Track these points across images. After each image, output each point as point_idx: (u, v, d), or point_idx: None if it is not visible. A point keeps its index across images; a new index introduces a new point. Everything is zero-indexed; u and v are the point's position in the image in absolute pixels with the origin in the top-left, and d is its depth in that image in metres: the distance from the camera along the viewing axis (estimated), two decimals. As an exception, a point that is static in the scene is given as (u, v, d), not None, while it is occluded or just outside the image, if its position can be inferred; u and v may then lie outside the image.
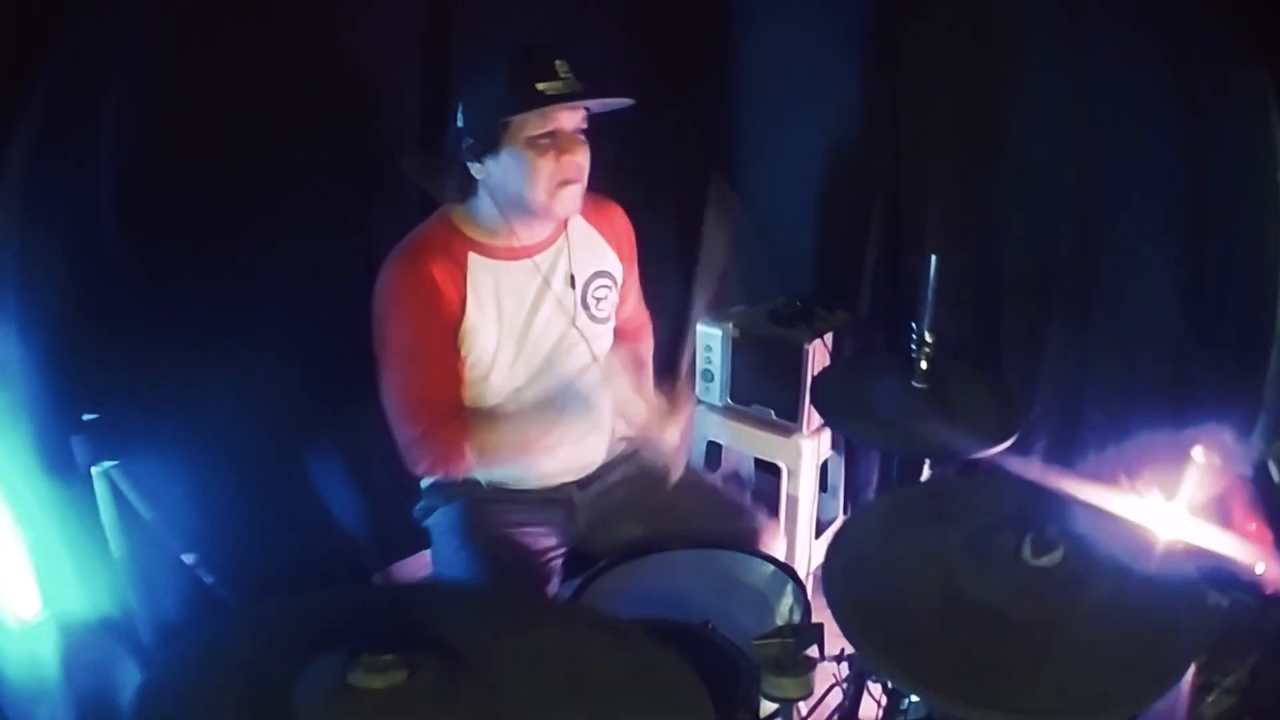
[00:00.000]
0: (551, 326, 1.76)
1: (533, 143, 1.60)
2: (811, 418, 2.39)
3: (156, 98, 1.74)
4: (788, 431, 2.43)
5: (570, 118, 1.62)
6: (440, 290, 1.64)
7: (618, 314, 1.90)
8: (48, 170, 1.54)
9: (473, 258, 1.69)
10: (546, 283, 1.75)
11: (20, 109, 1.46)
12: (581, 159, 1.65)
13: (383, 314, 1.67)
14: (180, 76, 1.76)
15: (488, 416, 1.73)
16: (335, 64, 2.00)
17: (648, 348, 2.05)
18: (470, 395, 1.75)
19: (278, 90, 1.90)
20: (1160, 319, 2.05)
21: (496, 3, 2.20)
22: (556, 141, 1.61)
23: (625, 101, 1.66)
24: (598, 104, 1.64)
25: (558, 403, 1.76)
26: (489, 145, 1.62)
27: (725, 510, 1.84)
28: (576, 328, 1.79)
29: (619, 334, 1.96)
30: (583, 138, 1.66)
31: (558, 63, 1.58)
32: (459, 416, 1.70)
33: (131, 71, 1.69)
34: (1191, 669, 1.42)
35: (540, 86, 1.56)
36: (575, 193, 1.66)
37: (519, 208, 1.67)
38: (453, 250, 1.68)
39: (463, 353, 1.69)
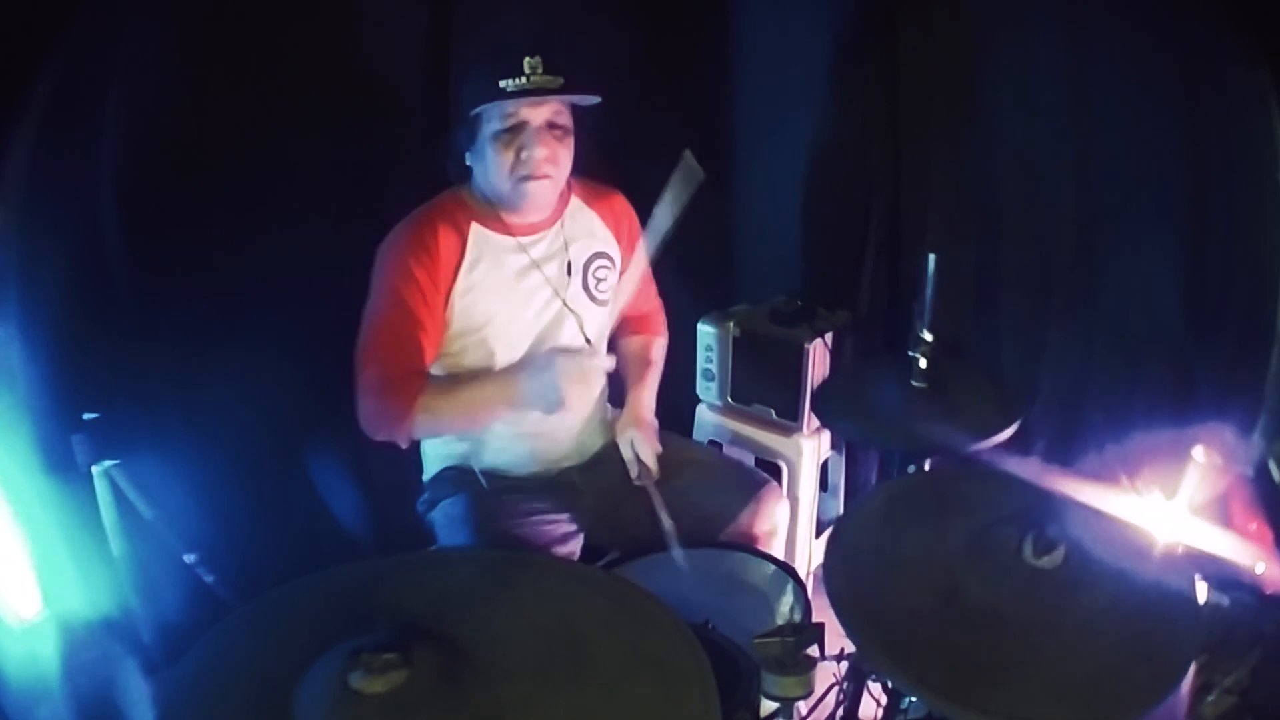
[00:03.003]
0: (547, 308, 1.79)
1: (497, 137, 1.64)
2: (812, 417, 2.39)
3: (157, 97, 1.74)
4: (788, 431, 2.43)
5: (536, 113, 1.63)
6: (440, 249, 1.68)
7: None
8: (49, 170, 1.54)
9: (475, 227, 1.73)
10: (539, 265, 1.77)
11: (21, 109, 1.46)
12: (547, 154, 1.65)
13: (380, 267, 1.70)
14: (181, 76, 1.76)
15: (445, 380, 1.72)
16: (337, 63, 2.00)
17: (660, 345, 2.05)
18: (469, 365, 1.77)
19: (279, 89, 1.90)
20: (1160, 318, 2.05)
21: (496, 6, 2.20)
22: (518, 137, 1.63)
23: (593, 98, 1.67)
24: (562, 99, 1.65)
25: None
26: (469, 136, 1.67)
27: (728, 471, 1.90)
28: (569, 308, 1.81)
29: (629, 324, 1.99)
30: (558, 133, 1.67)
31: (528, 59, 1.59)
32: (418, 376, 1.66)
33: (132, 71, 1.69)
34: (1192, 669, 1.42)
35: (502, 83, 1.59)
36: (542, 188, 1.69)
37: (497, 198, 1.72)
38: (458, 218, 1.73)
39: (449, 316, 1.71)
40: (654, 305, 2.07)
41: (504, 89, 1.59)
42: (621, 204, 1.92)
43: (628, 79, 2.49)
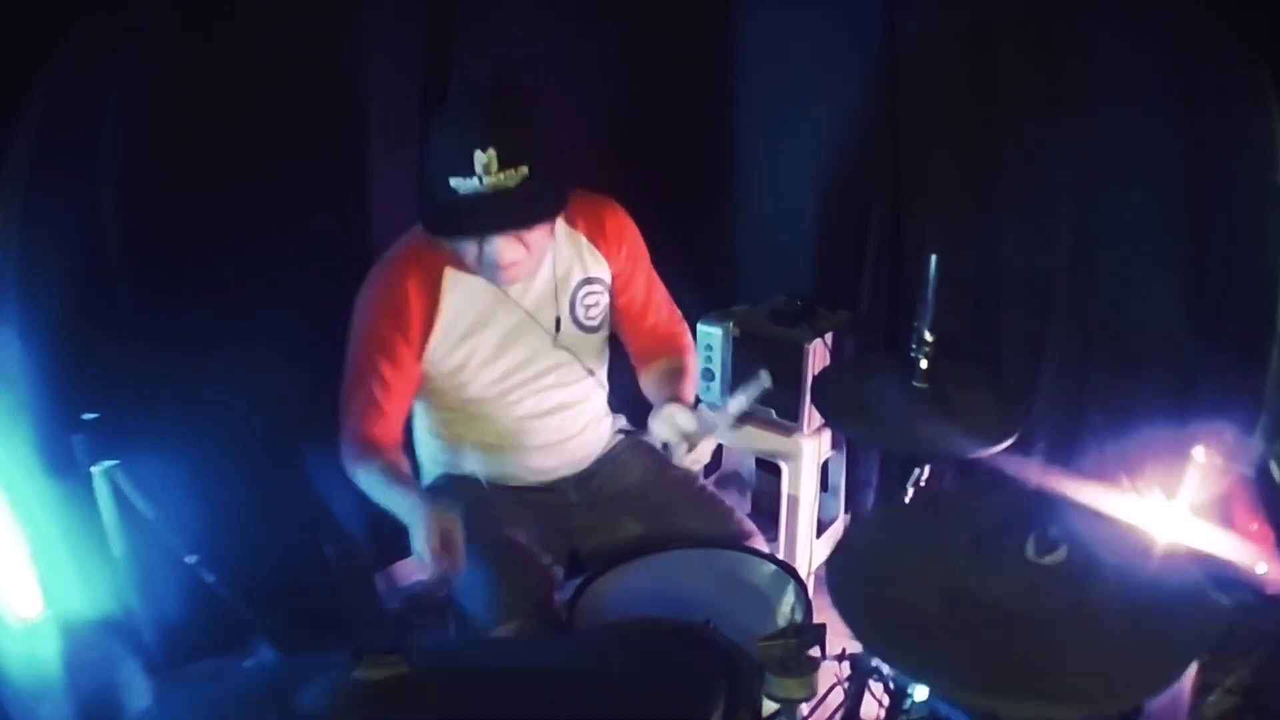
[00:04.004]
0: (529, 341, 1.73)
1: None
2: (812, 417, 2.39)
3: (157, 99, 1.74)
4: (788, 431, 2.43)
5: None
6: (410, 305, 1.63)
7: (637, 321, 1.85)
8: (49, 170, 1.54)
9: (449, 272, 1.66)
10: (520, 301, 1.71)
11: (21, 109, 1.46)
12: (514, 257, 1.54)
13: (355, 318, 1.67)
14: (181, 78, 1.76)
15: (386, 467, 1.60)
16: (335, 65, 2.00)
17: (691, 358, 1.89)
18: (456, 404, 1.75)
19: (279, 91, 1.90)
20: (1161, 319, 2.05)
21: (497, 6, 2.20)
22: (480, 242, 1.53)
23: (553, 220, 1.58)
24: (514, 233, 1.51)
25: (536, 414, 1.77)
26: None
27: (719, 516, 1.81)
28: (563, 346, 1.75)
29: (653, 347, 1.87)
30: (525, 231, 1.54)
31: (479, 155, 1.42)
32: (370, 442, 1.62)
33: (132, 72, 1.69)
34: (1194, 669, 1.42)
35: (454, 183, 1.45)
36: (514, 273, 1.60)
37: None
38: (430, 263, 1.65)
39: (430, 363, 1.68)
40: (677, 320, 1.92)
41: (455, 190, 1.44)
42: (613, 217, 1.79)
43: (628, 81, 2.50)
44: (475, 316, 1.68)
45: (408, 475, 1.61)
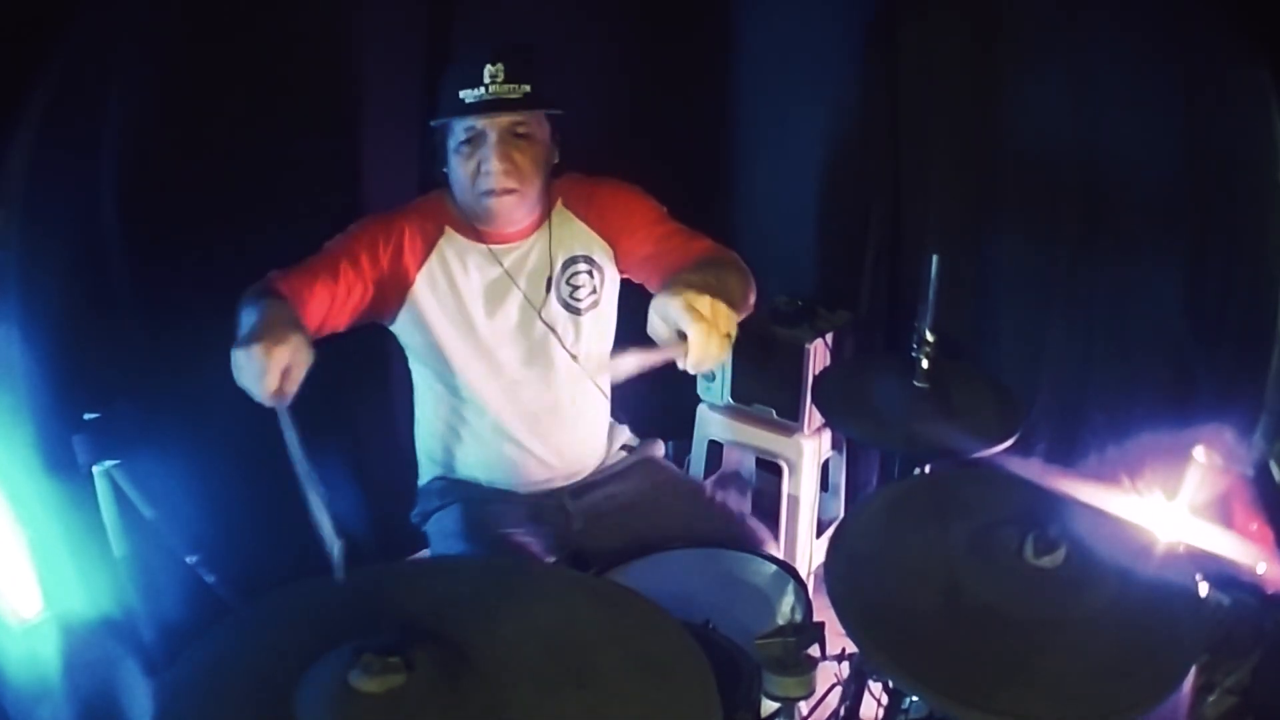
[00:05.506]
0: (516, 318, 1.74)
1: (458, 150, 1.63)
2: (813, 417, 2.39)
3: (158, 97, 1.74)
4: (789, 431, 2.43)
5: (494, 123, 1.59)
6: (404, 242, 1.67)
7: (654, 265, 1.66)
8: (49, 170, 1.54)
9: (449, 232, 1.71)
10: (512, 276, 1.73)
11: (21, 109, 1.46)
12: (506, 167, 1.60)
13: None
14: (182, 75, 1.76)
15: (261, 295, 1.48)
16: (339, 62, 2.00)
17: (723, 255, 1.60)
18: (441, 369, 1.75)
19: (281, 88, 1.90)
20: (1161, 318, 2.05)
21: (497, 7, 2.20)
22: (478, 150, 1.61)
23: (554, 111, 1.65)
24: (519, 113, 1.59)
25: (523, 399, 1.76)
26: (441, 148, 1.66)
27: (724, 524, 1.80)
28: (544, 322, 1.75)
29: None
30: (521, 143, 1.61)
31: (489, 68, 1.56)
32: (276, 282, 1.52)
33: (133, 70, 1.69)
34: (1194, 669, 1.42)
35: (462, 94, 1.57)
36: (505, 203, 1.64)
37: (467, 209, 1.69)
38: (432, 220, 1.71)
39: (409, 314, 1.69)
40: (703, 241, 1.65)
41: (463, 100, 1.57)
42: (604, 192, 1.78)
43: (628, 80, 2.50)
44: (463, 272, 1.71)
45: (285, 307, 1.43)
